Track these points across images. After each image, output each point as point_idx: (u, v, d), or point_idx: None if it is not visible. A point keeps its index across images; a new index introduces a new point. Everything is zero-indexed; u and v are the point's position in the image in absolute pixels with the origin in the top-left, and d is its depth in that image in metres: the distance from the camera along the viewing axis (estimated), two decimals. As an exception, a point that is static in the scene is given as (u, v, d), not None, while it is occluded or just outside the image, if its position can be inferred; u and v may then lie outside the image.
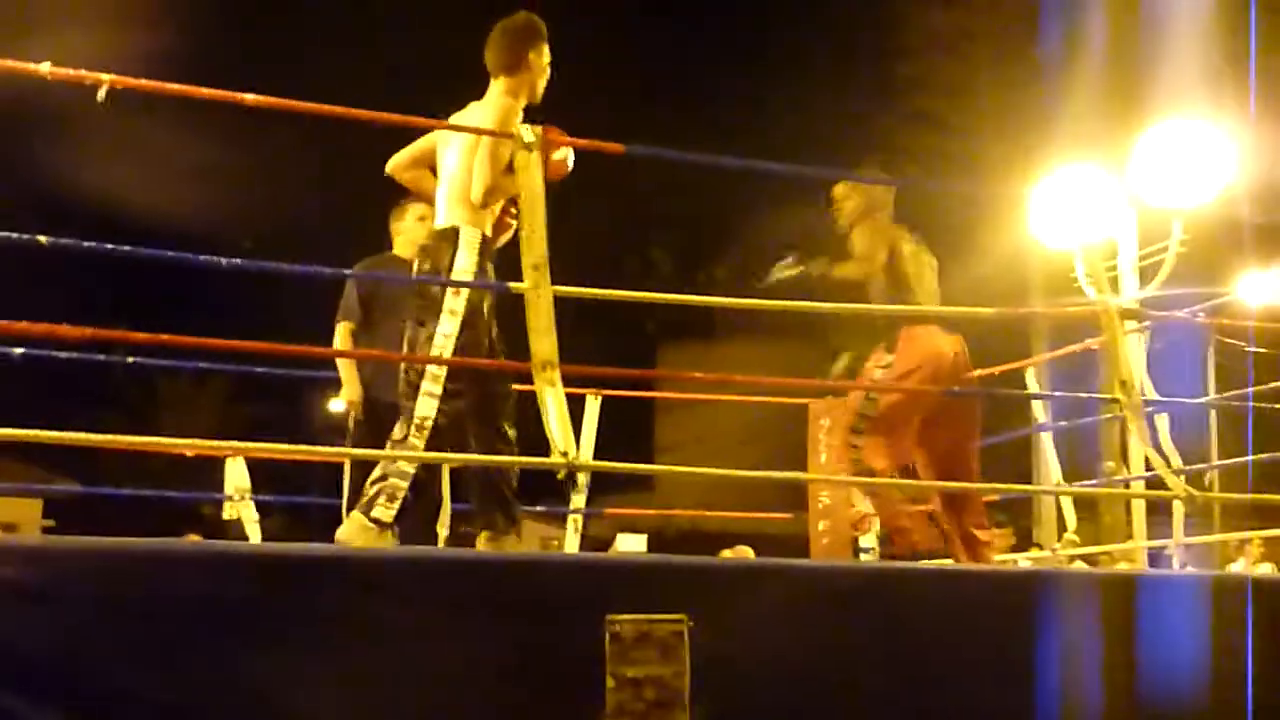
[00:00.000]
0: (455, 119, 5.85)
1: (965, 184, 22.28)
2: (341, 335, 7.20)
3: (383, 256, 7.28)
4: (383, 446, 5.74)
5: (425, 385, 5.50)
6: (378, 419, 6.62)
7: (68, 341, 6.70)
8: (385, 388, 6.54)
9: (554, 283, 4.97)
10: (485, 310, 5.69)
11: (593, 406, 8.50)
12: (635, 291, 6.71)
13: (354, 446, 6.93)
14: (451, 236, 5.68)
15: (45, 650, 3.71)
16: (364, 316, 7.22)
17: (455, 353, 5.52)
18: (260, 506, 8.19)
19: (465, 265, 5.62)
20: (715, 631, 4.38)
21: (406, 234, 7.17)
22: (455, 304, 5.56)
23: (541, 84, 5.86)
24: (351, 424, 7.20)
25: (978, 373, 8.25)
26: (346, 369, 7.19)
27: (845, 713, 4.64)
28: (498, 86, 5.85)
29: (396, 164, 6.07)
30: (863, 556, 8.23)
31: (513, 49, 5.84)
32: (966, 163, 23.24)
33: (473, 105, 5.89)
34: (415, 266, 5.91)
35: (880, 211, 7.26)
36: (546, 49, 5.87)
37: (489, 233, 5.74)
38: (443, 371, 5.49)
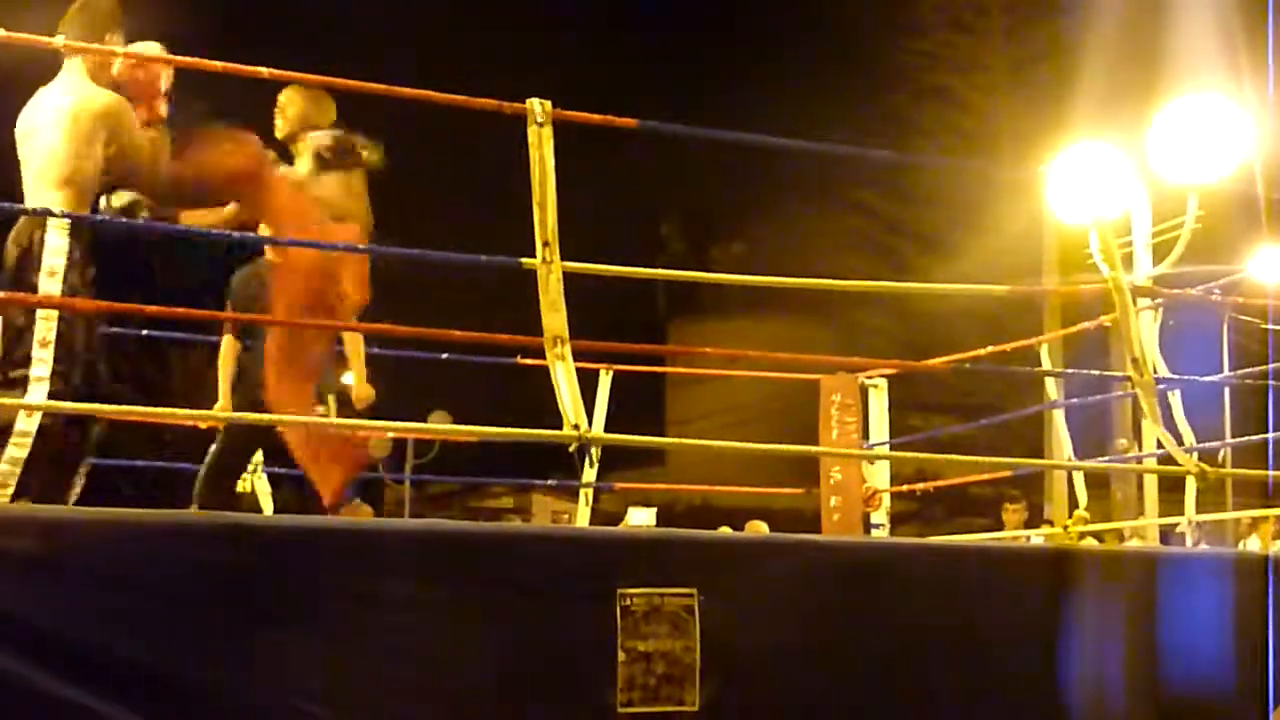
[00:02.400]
0: None
1: (980, 161, 22.26)
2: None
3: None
4: None
5: None
6: None
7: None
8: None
9: (564, 259, 4.97)
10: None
11: (604, 382, 8.51)
12: (645, 268, 6.69)
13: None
14: None
15: (59, 621, 3.72)
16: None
17: None
18: (272, 479, 8.19)
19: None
20: (726, 606, 4.39)
21: None
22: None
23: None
24: None
25: (991, 349, 8.24)
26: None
27: (856, 688, 4.64)
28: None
29: None
30: (874, 532, 8.24)
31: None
32: (981, 139, 23.20)
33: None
34: None
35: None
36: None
37: None
38: None
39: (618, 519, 11.57)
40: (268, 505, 8.18)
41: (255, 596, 3.96)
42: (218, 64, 4.83)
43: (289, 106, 6.45)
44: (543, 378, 5.06)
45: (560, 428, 4.87)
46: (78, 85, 5.36)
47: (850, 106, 24.05)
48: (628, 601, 4.26)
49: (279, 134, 6.41)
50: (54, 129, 5.26)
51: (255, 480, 8.21)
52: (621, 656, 4.24)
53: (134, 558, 3.89)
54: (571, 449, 5.03)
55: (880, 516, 8.49)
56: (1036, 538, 10.15)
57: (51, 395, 4.99)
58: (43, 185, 5.21)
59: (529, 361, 7.87)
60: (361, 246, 5.95)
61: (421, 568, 4.18)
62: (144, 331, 6.80)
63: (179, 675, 3.83)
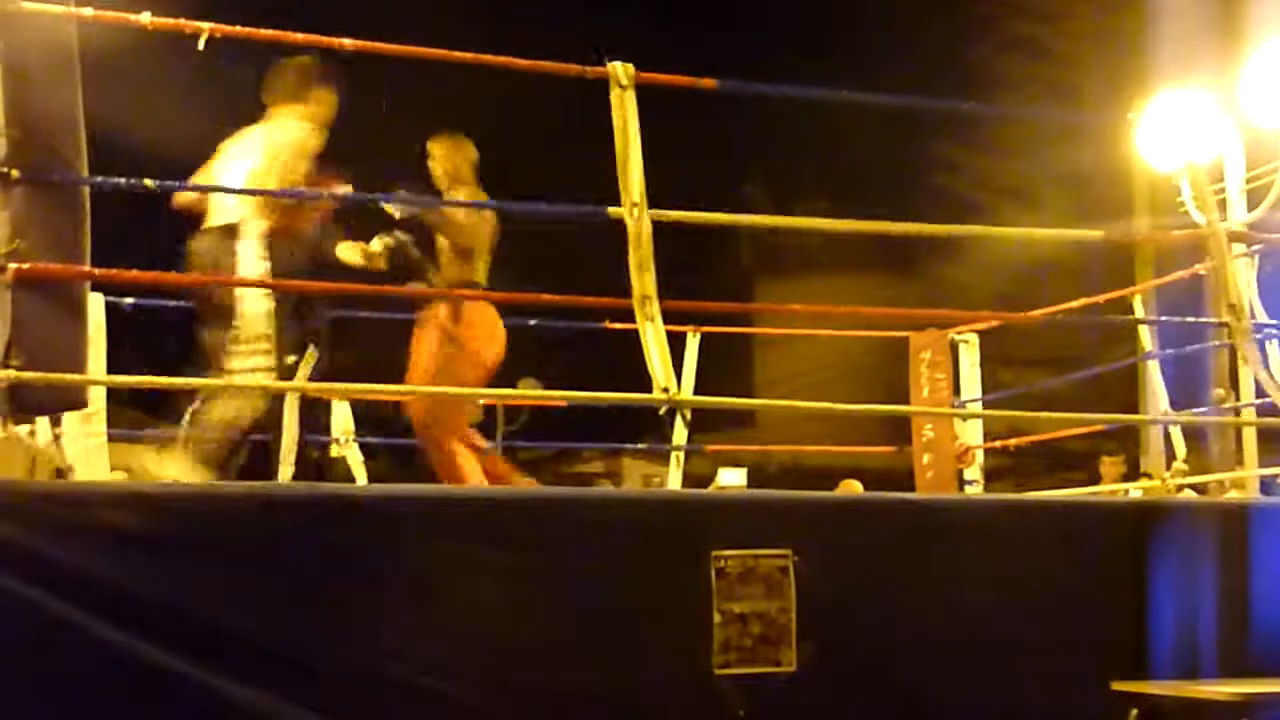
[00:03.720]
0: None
1: (1066, 110, 21.94)
2: None
3: None
4: None
5: None
6: None
7: (172, 289, 6.80)
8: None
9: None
10: None
11: (692, 343, 8.49)
12: (734, 215, 6.64)
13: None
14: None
15: (159, 593, 3.77)
16: None
17: None
18: (365, 448, 8.27)
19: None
20: (821, 566, 4.38)
21: None
22: None
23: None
24: None
25: (1083, 301, 8.15)
26: None
27: (952, 645, 4.62)
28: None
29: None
30: (968, 489, 8.19)
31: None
32: (1066, 88, 22.88)
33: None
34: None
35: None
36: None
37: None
38: None
39: (708, 481, 11.56)
40: (361, 474, 8.26)
41: (354, 566, 4.00)
42: (299, 35, 4.86)
43: (435, 165, 7.04)
44: (631, 342, 5.06)
45: (649, 390, 4.87)
46: (292, 128, 6.13)
47: (932, 60, 23.78)
48: (722, 563, 4.26)
49: (437, 184, 7.00)
50: (272, 162, 6.00)
51: (347, 450, 8.29)
52: (717, 618, 4.25)
53: (234, 530, 3.95)
54: (661, 412, 5.03)
55: (974, 473, 8.44)
56: (1134, 491, 10.03)
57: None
58: (253, 213, 5.95)
59: (618, 325, 7.87)
60: (462, 201, 6.01)
61: (517, 533, 4.21)
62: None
63: (282, 645, 3.88)
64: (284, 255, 6.05)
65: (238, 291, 5.85)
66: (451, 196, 6.92)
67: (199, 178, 6.23)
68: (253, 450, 6.43)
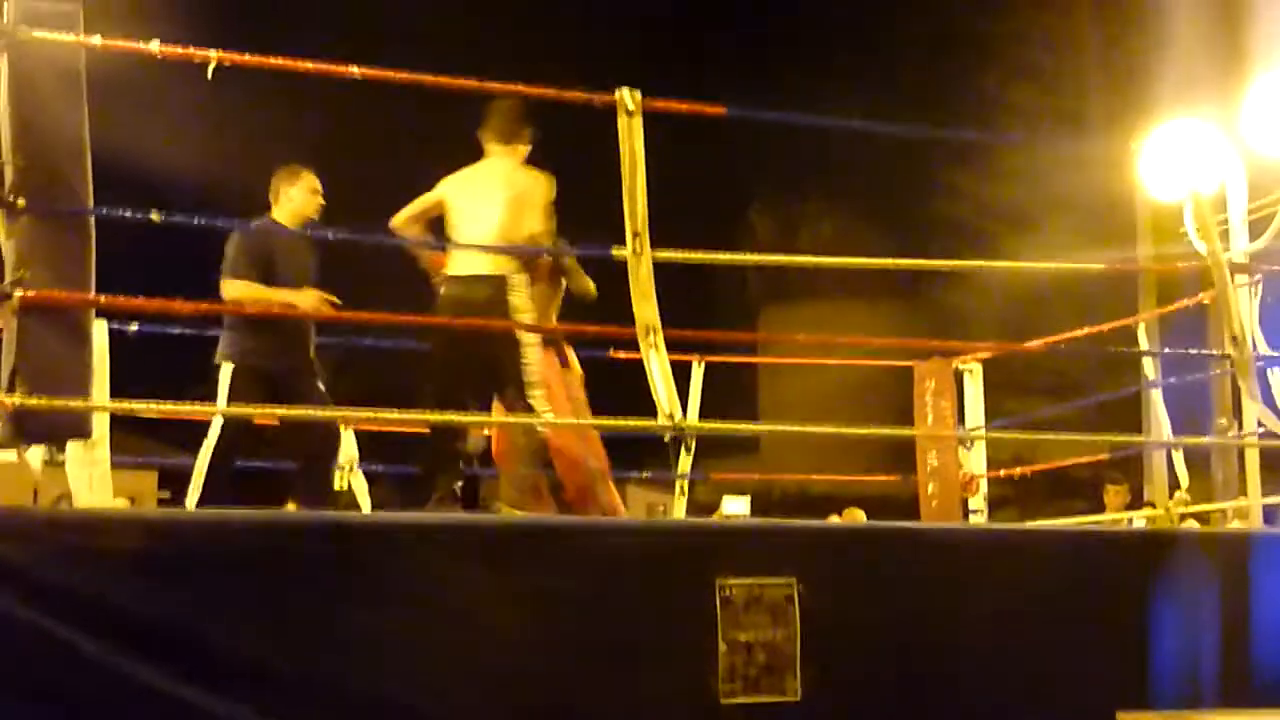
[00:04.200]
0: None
1: (1070, 139, 22.01)
2: (241, 291, 6.66)
3: (266, 221, 6.90)
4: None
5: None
6: (270, 384, 6.54)
7: (179, 316, 6.81)
8: (286, 355, 6.68)
9: (654, 248, 4.98)
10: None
11: (697, 373, 8.48)
12: (735, 254, 6.68)
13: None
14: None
15: (164, 616, 3.78)
16: (262, 277, 6.99)
17: None
18: (369, 476, 8.25)
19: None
20: (825, 594, 4.38)
21: (294, 202, 6.98)
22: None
23: None
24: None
25: (1087, 330, 8.15)
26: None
27: (956, 675, 4.62)
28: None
29: (403, 219, 6.43)
30: (972, 518, 8.18)
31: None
32: (1070, 117, 22.94)
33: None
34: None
35: None
36: None
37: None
38: None
39: (712, 508, 11.56)
40: (365, 502, 8.24)
41: (357, 591, 4.00)
42: (309, 64, 4.87)
43: None
44: (634, 370, 5.07)
45: (654, 418, 4.88)
46: (529, 178, 6.43)
47: (937, 88, 23.87)
48: (728, 592, 4.26)
49: None
50: (523, 202, 6.33)
51: (351, 478, 8.27)
52: (722, 647, 4.25)
53: (237, 555, 3.95)
54: (667, 439, 5.04)
55: (978, 502, 8.42)
56: (1138, 520, 10.02)
57: None
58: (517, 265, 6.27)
59: (622, 354, 7.87)
60: (462, 243, 6.04)
61: (524, 561, 4.21)
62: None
63: (279, 666, 3.88)
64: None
65: (524, 338, 6.14)
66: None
67: (415, 210, 6.43)
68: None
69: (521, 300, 6.25)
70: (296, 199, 6.91)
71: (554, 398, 6.72)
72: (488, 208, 6.36)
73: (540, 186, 6.44)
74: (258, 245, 6.73)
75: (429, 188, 6.46)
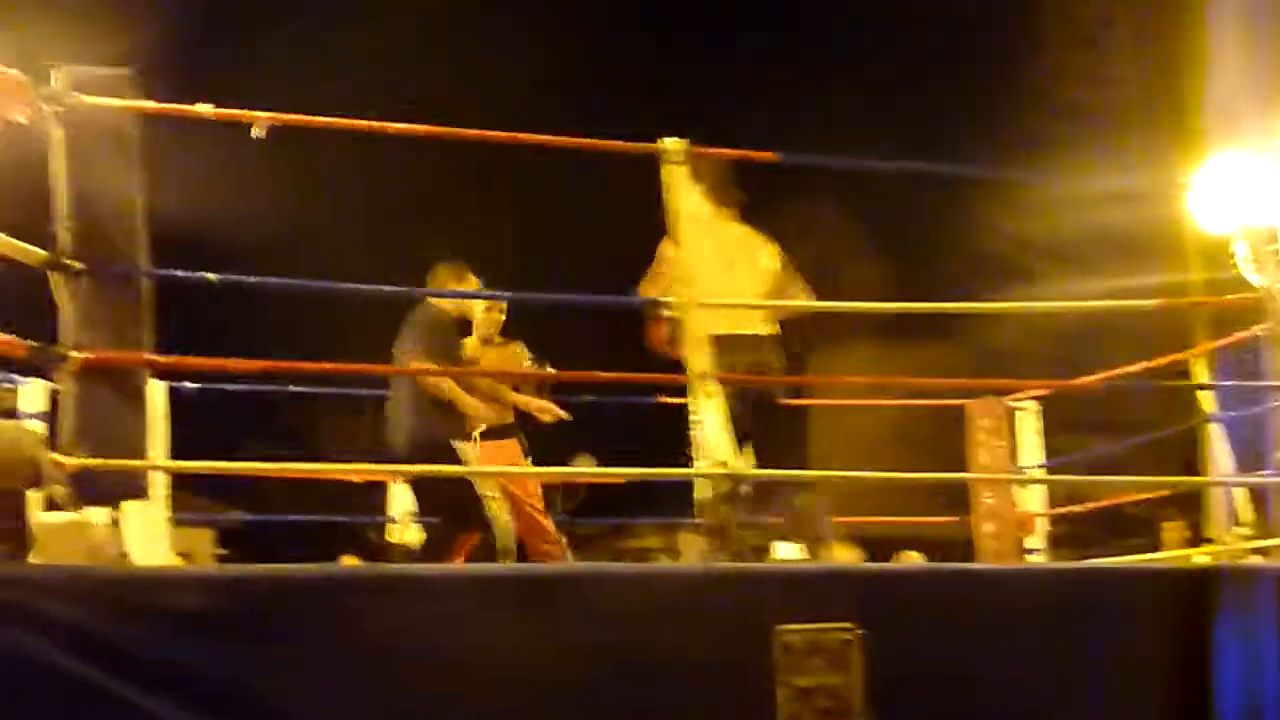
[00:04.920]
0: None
1: (1119, 175, 21.89)
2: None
3: (432, 311, 7.17)
4: None
5: None
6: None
7: (235, 374, 6.87)
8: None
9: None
10: None
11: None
12: (783, 301, 6.68)
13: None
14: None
15: (223, 673, 3.79)
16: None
17: None
18: (425, 529, 8.28)
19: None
20: (885, 639, 4.34)
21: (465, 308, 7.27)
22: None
23: None
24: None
25: (1142, 365, 8.10)
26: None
27: (1017, 716, 4.57)
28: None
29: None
30: (1031, 558, 8.12)
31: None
32: (1115, 153, 22.83)
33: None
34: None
35: None
36: None
37: None
38: None
39: (765, 553, 11.50)
40: (421, 555, 8.26)
41: (413, 646, 4.00)
42: (356, 121, 4.92)
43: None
44: (680, 415, 5.07)
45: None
46: (766, 245, 6.72)
47: (980, 127, 23.80)
48: (786, 638, 4.23)
49: None
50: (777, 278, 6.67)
51: (407, 531, 8.32)
52: (781, 693, 4.22)
53: (296, 611, 3.96)
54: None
55: (1036, 541, 8.36)
56: (1198, 556, 9.91)
57: None
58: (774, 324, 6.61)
59: (670, 400, 7.87)
60: (504, 294, 6.09)
61: (578, 610, 4.20)
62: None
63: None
64: None
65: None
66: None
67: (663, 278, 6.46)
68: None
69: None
70: (462, 304, 7.35)
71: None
72: (745, 270, 6.57)
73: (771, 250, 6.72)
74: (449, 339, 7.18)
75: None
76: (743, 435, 6.25)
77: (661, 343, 6.43)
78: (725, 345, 6.25)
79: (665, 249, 6.21)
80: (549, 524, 7.58)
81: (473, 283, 7.41)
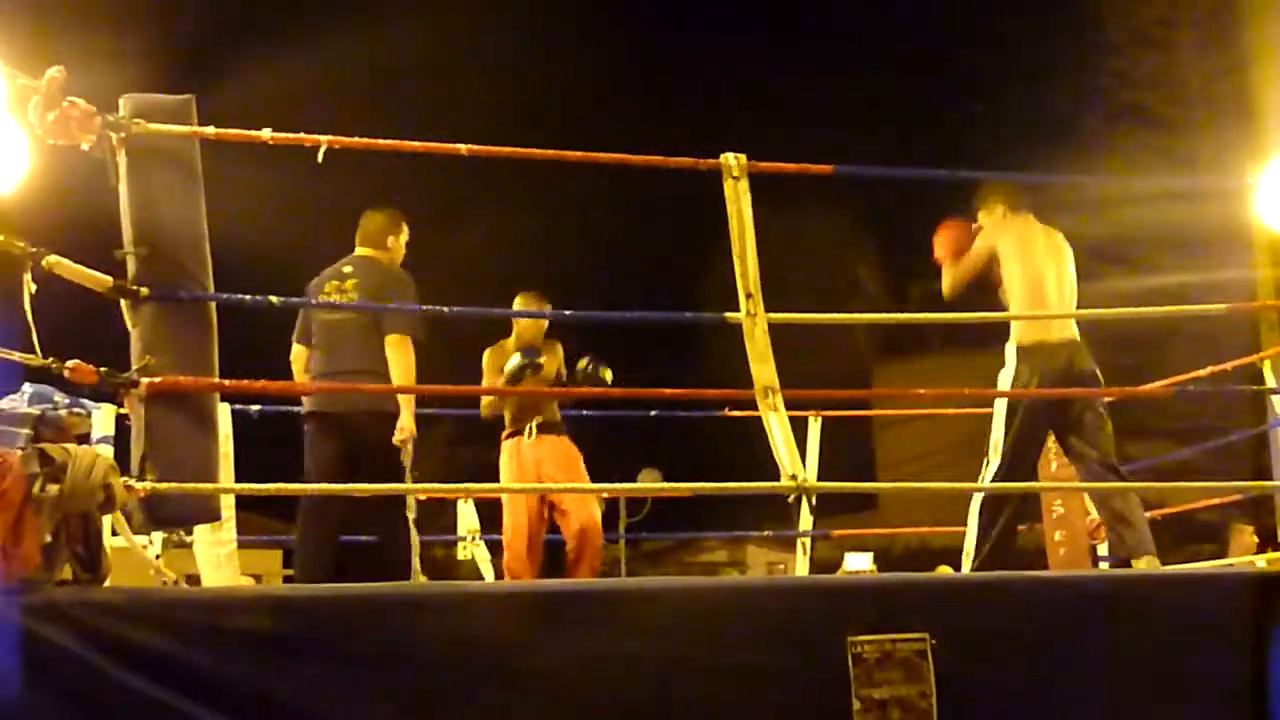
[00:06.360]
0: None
1: (1184, 176, 21.69)
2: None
3: (395, 270, 6.79)
4: None
5: None
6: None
7: (298, 396, 6.90)
8: None
9: (768, 309, 4.97)
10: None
11: (814, 428, 8.46)
12: (848, 314, 6.67)
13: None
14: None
15: (291, 693, 3.81)
16: None
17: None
18: (491, 546, 8.31)
19: None
20: (959, 648, 4.31)
21: (396, 253, 6.85)
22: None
23: None
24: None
25: (1210, 369, 8.02)
26: None
27: (1092, 724, 4.52)
28: None
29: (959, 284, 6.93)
30: (1102, 565, 8.04)
31: None
32: (1179, 155, 22.63)
33: None
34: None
35: None
36: None
37: None
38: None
39: (834, 566, 11.45)
40: (488, 571, 8.29)
41: (483, 662, 4.00)
42: (418, 144, 4.93)
43: None
44: (747, 428, 5.05)
45: (770, 478, 4.85)
46: None
47: (1042, 133, 23.67)
48: (859, 649, 4.21)
49: None
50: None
51: (474, 548, 8.34)
52: (856, 705, 4.19)
53: (366, 630, 3.97)
54: (790, 499, 5.02)
55: (1107, 548, 8.27)
56: (1269, 561, 9.79)
57: None
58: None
59: (738, 414, 7.87)
60: (568, 313, 6.09)
61: (651, 625, 4.18)
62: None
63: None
64: None
65: None
66: None
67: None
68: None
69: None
70: (398, 250, 6.85)
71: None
72: (1065, 273, 6.80)
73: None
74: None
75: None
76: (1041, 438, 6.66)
77: (948, 252, 6.83)
78: (1045, 352, 6.58)
79: (978, 242, 6.80)
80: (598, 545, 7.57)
81: (546, 307, 7.65)
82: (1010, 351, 6.70)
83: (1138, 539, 6.41)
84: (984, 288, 6.86)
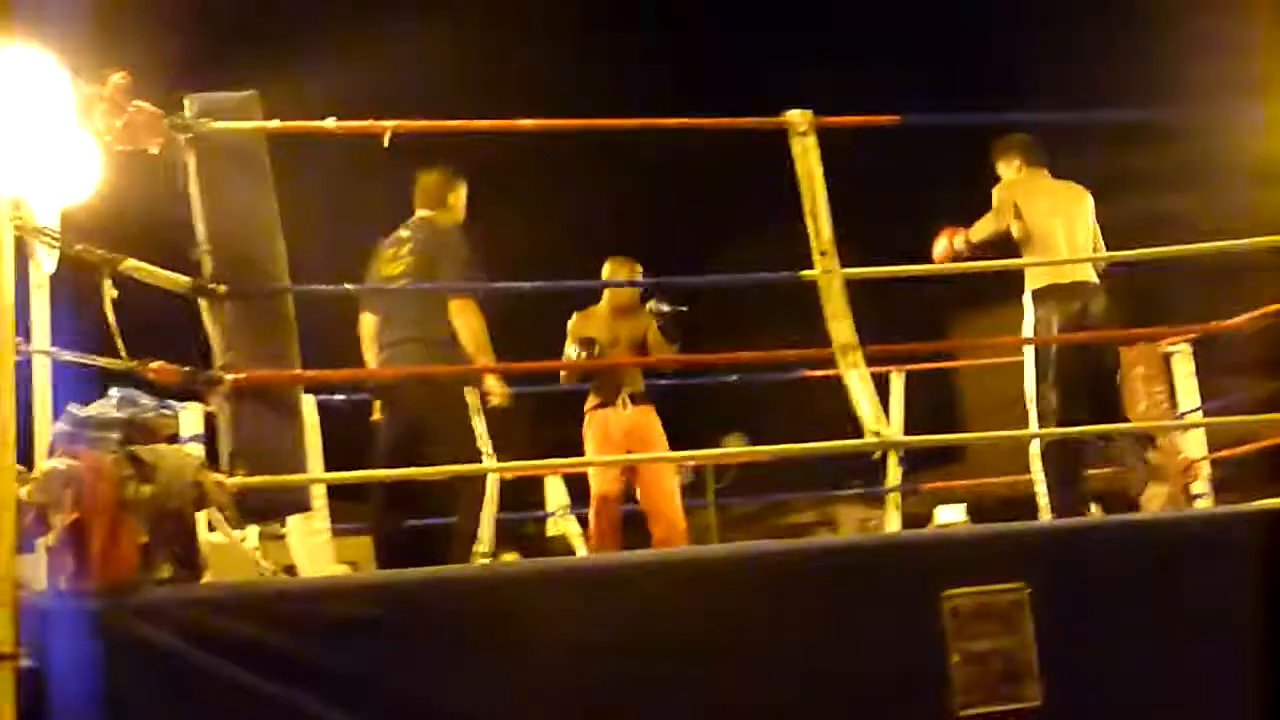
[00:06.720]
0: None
1: (1252, 105, 21.32)
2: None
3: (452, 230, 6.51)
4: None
5: None
6: None
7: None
8: None
9: (842, 264, 4.94)
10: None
11: (896, 384, 8.39)
12: (923, 265, 6.63)
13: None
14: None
15: (389, 676, 3.84)
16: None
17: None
18: (582, 520, 8.32)
19: None
20: (1057, 596, 4.28)
21: (457, 212, 6.63)
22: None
23: None
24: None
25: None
26: None
27: (1192, 664, 4.46)
28: None
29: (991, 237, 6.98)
30: (1197, 503, 7.94)
31: None
32: (1249, 84, 22.23)
33: None
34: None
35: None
36: None
37: None
38: None
39: (924, 520, 11.41)
40: (580, 546, 8.30)
41: (586, 638, 4.01)
42: (482, 123, 4.94)
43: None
44: (829, 388, 5.02)
45: (851, 436, 4.83)
46: None
47: (1106, 68, 23.38)
48: (955, 602, 4.19)
49: None
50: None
51: (565, 524, 8.36)
52: (955, 658, 4.17)
53: (464, 612, 3.99)
54: (876, 455, 4.99)
55: (1201, 486, 8.17)
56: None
57: None
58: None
59: (816, 374, 7.82)
60: (642, 281, 6.06)
61: (746, 588, 4.18)
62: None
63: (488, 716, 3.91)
64: None
65: None
66: None
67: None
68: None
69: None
70: (458, 207, 6.68)
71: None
72: (1077, 223, 6.96)
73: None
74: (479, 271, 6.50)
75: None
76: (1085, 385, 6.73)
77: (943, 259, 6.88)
78: (1059, 294, 6.74)
79: (1000, 194, 6.90)
80: (679, 517, 7.62)
81: (638, 272, 7.67)
82: (1027, 300, 6.88)
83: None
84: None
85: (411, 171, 6.48)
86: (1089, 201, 7.10)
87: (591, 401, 7.75)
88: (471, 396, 6.15)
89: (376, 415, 6.40)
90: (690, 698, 4.03)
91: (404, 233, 6.44)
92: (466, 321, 6.10)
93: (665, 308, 7.58)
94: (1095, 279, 6.87)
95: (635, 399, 7.64)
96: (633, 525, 7.65)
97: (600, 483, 7.52)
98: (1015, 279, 7.08)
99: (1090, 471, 7.09)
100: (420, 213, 6.53)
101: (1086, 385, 6.80)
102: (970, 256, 6.94)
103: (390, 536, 6.24)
